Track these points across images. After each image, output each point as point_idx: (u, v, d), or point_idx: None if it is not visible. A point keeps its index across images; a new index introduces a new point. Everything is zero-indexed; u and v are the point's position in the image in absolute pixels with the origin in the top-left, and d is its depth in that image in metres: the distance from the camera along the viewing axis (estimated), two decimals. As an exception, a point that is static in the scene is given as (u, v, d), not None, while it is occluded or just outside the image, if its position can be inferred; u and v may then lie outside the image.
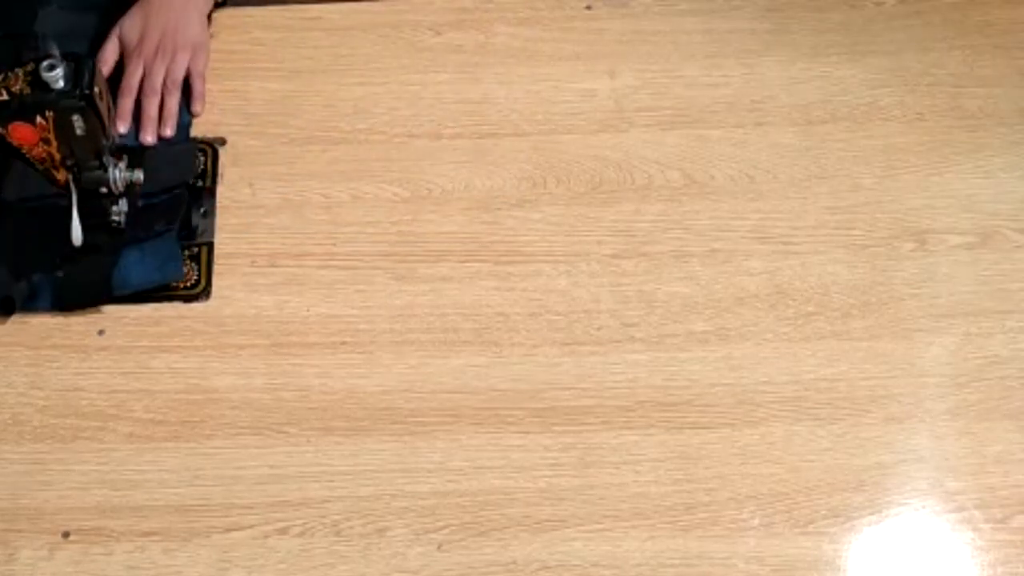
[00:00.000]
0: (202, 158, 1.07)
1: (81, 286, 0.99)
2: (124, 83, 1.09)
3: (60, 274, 1.00)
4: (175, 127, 1.09)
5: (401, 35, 1.16)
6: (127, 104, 1.09)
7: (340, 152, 1.08)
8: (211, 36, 1.14)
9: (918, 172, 1.07)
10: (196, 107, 1.10)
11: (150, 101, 1.09)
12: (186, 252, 1.02)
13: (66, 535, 0.90)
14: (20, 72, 0.91)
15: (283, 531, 0.90)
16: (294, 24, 1.16)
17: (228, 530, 0.90)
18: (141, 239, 1.01)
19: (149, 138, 1.08)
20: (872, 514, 0.91)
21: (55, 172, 0.97)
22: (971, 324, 0.99)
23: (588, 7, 1.18)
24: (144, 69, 1.10)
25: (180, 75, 1.10)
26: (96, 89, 0.91)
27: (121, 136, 1.07)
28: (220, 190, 1.06)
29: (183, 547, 0.90)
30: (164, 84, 1.09)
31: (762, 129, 1.10)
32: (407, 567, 0.89)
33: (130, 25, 1.12)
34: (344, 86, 1.12)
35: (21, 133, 0.93)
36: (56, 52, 0.90)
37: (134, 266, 1.00)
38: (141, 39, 1.11)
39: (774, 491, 0.92)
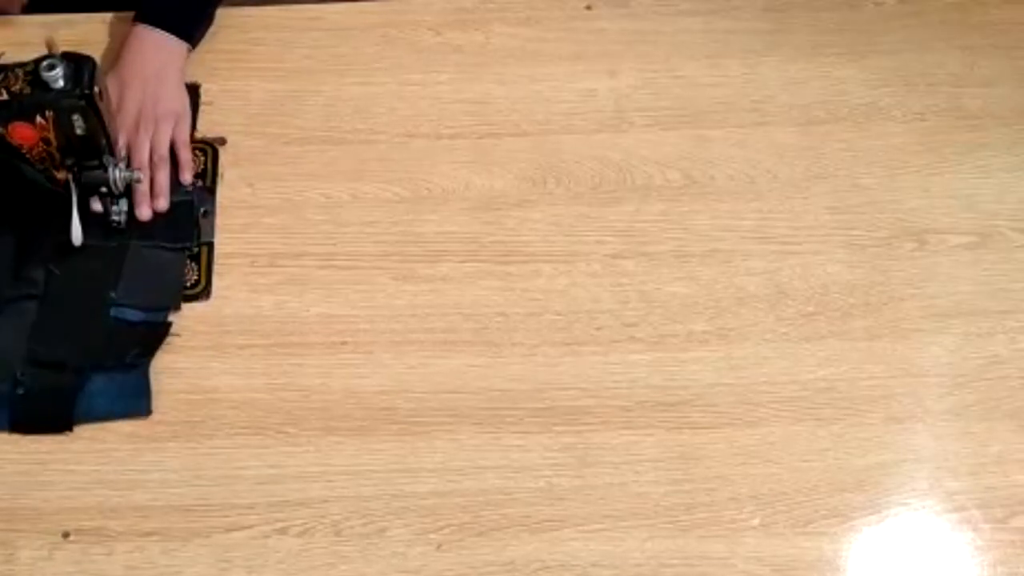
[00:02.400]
0: (200, 180, 1.06)
1: (40, 412, 0.94)
2: None
3: (20, 391, 0.94)
4: (168, 199, 1.04)
5: (401, 35, 1.16)
6: None
7: (340, 152, 1.08)
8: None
9: (918, 172, 1.07)
10: (185, 176, 1.05)
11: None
12: (186, 252, 1.02)
13: (66, 535, 0.90)
14: (20, 72, 0.91)
15: (283, 531, 0.90)
16: (294, 24, 1.16)
17: (228, 530, 0.90)
18: (110, 367, 0.95)
19: (145, 213, 1.03)
20: (872, 514, 0.91)
21: (55, 172, 0.97)
22: (971, 324, 0.99)
23: (588, 7, 1.18)
24: (127, 142, 1.04)
25: (165, 148, 1.05)
26: (96, 89, 0.91)
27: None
28: (220, 190, 1.06)
29: (183, 547, 0.90)
30: (150, 158, 1.05)
31: (762, 129, 1.10)
32: (407, 567, 0.89)
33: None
34: (344, 86, 1.12)
35: (21, 133, 0.93)
36: (56, 52, 0.90)
37: (99, 396, 0.95)
38: (119, 110, 1.05)
39: (774, 491, 0.92)
